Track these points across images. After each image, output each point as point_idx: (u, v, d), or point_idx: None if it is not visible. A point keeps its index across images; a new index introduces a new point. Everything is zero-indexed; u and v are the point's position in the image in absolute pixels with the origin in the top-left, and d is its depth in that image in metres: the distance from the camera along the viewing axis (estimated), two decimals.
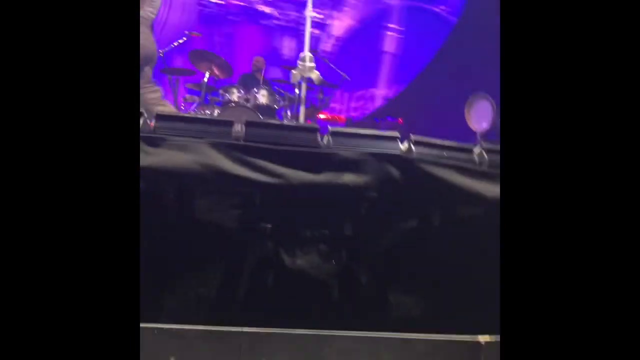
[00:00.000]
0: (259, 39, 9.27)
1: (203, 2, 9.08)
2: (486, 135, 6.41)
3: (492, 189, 2.46)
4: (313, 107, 6.33)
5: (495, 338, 2.33)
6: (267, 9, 9.26)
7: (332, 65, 6.24)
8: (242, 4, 9.20)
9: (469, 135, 6.43)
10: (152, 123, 2.39)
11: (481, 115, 6.30)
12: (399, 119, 7.86)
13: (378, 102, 9.47)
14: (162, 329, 2.03)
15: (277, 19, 9.14)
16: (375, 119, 7.99)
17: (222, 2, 9.10)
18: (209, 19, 9.11)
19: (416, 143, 2.51)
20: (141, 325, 2.02)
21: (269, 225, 2.43)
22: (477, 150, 2.61)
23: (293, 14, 9.18)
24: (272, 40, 9.36)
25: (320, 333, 2.11)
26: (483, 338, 2.26)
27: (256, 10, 9.23)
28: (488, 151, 2.58)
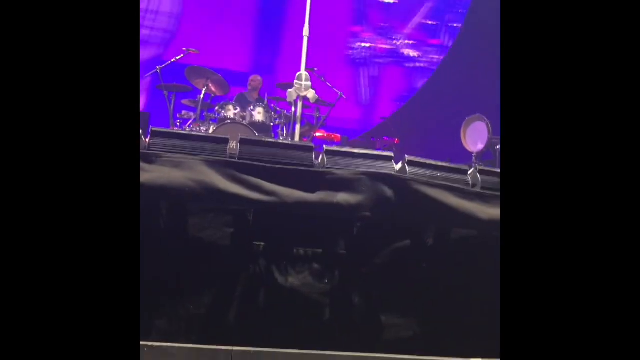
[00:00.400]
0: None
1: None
2: (482, 156, 6.44)
3: (486, 210, 2.46)
4: (309, 125, 6.34)
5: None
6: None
7: (328, 84, 6.27)
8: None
9: (466, 155, 6.46)
10: (147, 139, 2.39)
11: (477, 137, 6.33)
12: (396, 139, 7.89)
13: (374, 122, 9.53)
14: (151, 346, 2.01)
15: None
16: (372, 138, 8.02)
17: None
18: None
19: (410, 163, 2.52)
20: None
21: (262, 244, 2.42)
22: (470, 171, 2.62)
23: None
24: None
25: (312, 353, 2.09)
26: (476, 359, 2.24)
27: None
28: (482, 172, 2.59)
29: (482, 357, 2.33)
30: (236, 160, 2.38)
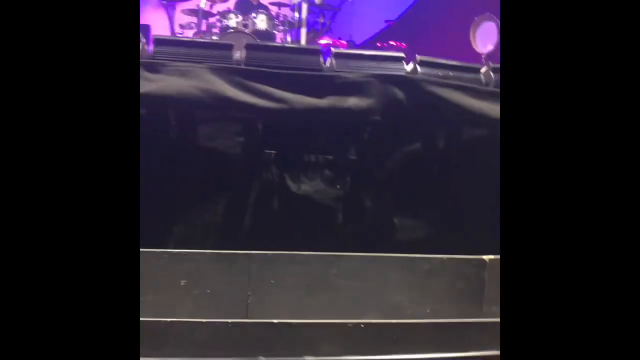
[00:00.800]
0: None
1: None
2: (492, 57, 6.26)
3: (497, 109, 2.42)
4: (314, 31, 6.15)
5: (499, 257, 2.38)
6: None
7: None
8: None
9: (475, 59, 6.28)
10: (151, 48, 2.33)
11: (486, 37, 6.12)
12: (403, 43, 7.66)
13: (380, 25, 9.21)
14: (172, 252, 2.07)
15: None
16: (378, 43, 7.78)
17: None
18: None
19: (421, 63, 2.45)
20: (152, 250, 2.05)
21: (273, 151, 2.42)
22: (483, 69, 2.55)
23: None
24: None
25: (327, 254, 2.15)
26: (487, 257, 2.30)
27: None
28: (494, 70, 2.52)
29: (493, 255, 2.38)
30: (243, 66, 2.32)
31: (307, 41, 5.21)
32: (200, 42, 2.39)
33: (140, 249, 1.93)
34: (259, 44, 2.41)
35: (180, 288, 2.05)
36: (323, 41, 6.31)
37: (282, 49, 2.42)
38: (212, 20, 5.79)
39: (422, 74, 2.41)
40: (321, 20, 6.14)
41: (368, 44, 8.67)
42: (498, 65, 2.57)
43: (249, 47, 2.36)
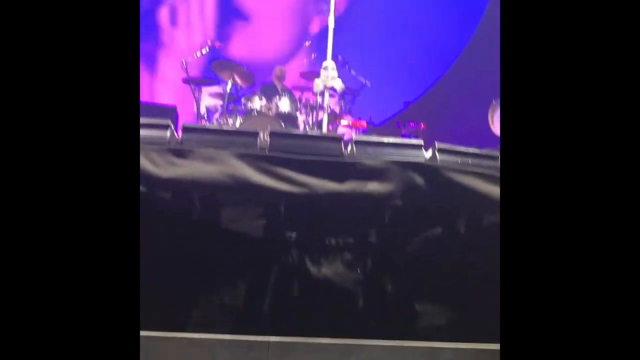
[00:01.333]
0: None
1: None
2: None
3: None
4: (334, 114, 6.33)
5: None
6: None
7: (352, 72, 6.24)
8: None
9: (492, 140, 6.36)
10: (179, 135, 2.43)
11: None
12: (422, 124, 7.80)
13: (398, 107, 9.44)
14: (190, 339, 2.05)
15: None
16: (397, 124, 7.95)
17: None
18: None
19: (440, 151, 2.50)
20: (169, 334, 2.04)
21: (294, 235, 2.44)
22: None
23: None
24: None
25: (347, 342, 2.11)
26: None
27: None
28: None
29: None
30: (266, 153, 2.40)
31: (328, 122, 5.36)
32: (226, 130, 2.49)
33: (159, 334, 1.94)
34: (283, 132, 2.50)
35: None
36: (344, 122, 6.48)
37: (305, 137, 2.51)
38: (237, 103, 6.03)
39: (441, 161, 2.46)
40: (342, 103, 6.32)
41: (387, 124, 8.87)
42: None
43: (273, 134, 2.45)
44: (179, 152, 2.31)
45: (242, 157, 2.33)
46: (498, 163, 2.55)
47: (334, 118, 6.28)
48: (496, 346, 2.27)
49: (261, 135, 2.48)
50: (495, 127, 6.32)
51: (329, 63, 3.27)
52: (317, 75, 3.43)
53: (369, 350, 2.11)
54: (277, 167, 2.35)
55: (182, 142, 2.40)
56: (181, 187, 2.28)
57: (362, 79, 6.31)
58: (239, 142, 2.41)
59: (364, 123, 6.89)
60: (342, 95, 6.34)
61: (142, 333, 2.07)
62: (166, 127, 2.37)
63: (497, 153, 2.64)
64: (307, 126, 5.85)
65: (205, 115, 5.99)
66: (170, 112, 6.20)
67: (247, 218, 2.42)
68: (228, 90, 5.76)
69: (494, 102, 6.35)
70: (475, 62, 8.79)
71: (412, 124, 7.65)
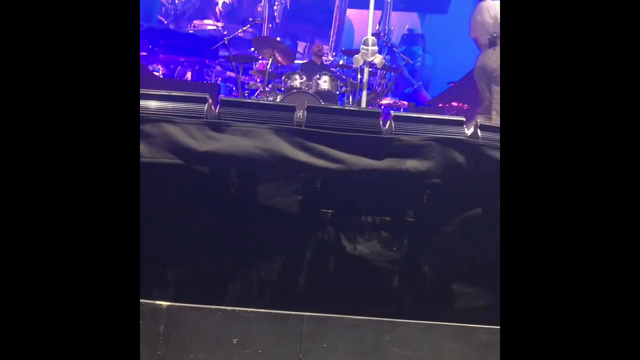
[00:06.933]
0: None
1: None
2: None
3: None
4: (375, 92, 6.25)
5: None
6: None
7: (395, 49, 6.13)
8: None
9: None
10: (217, 109, 2.43)
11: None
12: (465, 105, 7.62)
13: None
14: (225, 310, 2.07)
15: None
16: (440, 104, 7.80)
17: None
18: None
19: (482, 128, 2.42)
20: (206, 306, 2.07)
21: (330, 211, 2.42)
22: None
23: None
24: None
25: (380, 320, 2.09)
26: None
27: None
28: None
29: None
30: (303, 128, 2.38)
31: (368, 102, 5.30)
32: (263, 104, 2.47)
33: (195, 305, 1.97)
34: (320, 106, 2.47)
35: (232, 346, 2.05)
36: (385, 101, 6.40)
37: (342, 112, 2.46)
38: (277, 80, 6.03)
39: (483, 138, 2.38)
40: (383, 81, 6.24)
41: (429, 104, 8.71)
42: None
43: (310, 109, 2.42)
44: (217, 125, 2.31)
45: (279, 132, 2.31)
46: None
47: (374, 97, 6.21)
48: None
49: (298, 110, 2.46)
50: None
51: (370, 38, 3.20)
52: (358, 51, 3.38)
53: (402, 329, 2.08)
54: (313, 143, 2.32)
55: (219, 116, 2.40)
56: (218, 161, 2.28)
57: (406, 58, 6.19)
58: (276, 116, 2.39)
59: (405, 102, 6.79)
60: (384, 74, 6.25)
61: (179, 304, 2.11)
62: (204, 100, 2.38)
63: None
64: (347, 105, 5.80)
65: (247, 93, 6.02)
66: (212, 88, 6.26)
67: (284, 193, 2.41)
68: (268, 67, 5.75)
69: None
70: None
71: (454, 104, 7.50)
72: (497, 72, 5.05)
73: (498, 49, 5.06)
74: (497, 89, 5.09)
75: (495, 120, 4.72)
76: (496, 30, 5.13)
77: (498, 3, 5.15)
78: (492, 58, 5.19)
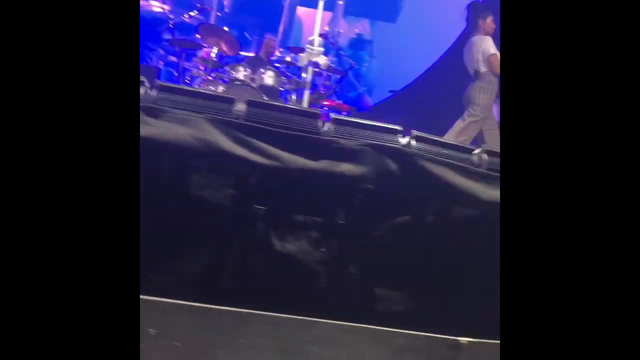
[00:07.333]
0: None
1: None
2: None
3: (489, 192, 2.44)
4: (319, 93, 6.29)
5: (477, 340, 2.33)
6: None
7: (342, 52, 6.19)
8: None
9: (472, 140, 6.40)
10: (155, 93, 2.36)
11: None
12: (404, 114, 7.81)
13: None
14: (144, 299, 2.02)
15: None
16: (379, 111, 7.95)
17: None
18: None
19: (417, 138, 2.49)
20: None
21: (262, 208, 2.41)
22: (477, 150, 2.59)
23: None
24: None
25: (303, 319, 2.10)
26: (464, 339, 2.26)
27: None
28: (488, 153, 2.56)
29: (472, 337, 2.34)
30: (242, 121, 2.35)
31: (311, 102, 5.32)
32: (203, 93, 2.43)
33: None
34: (260, 101, 2.45)
35: (149, 337, 2.00)
36: (327, 103, 6.44)
37: (282, 109, 2.46)
38: (221, 70, 5.93)
39: (417, 148, 2.45)
40: (327, 83, 6.29)
41: (371, 110, 8.86)
42: (491, 148, 2.62)
43: (250, 103, 2.40)
44: (152, 111, 2.24)
45: (216, 123, 2.28)
46: (473, 157, 2.56)
47: (317, 97, 6.24)
48: (448, 336, 2.30)
49: (238, 103, 2.43)
50: None
51: (316, 39, 3.22)
52: (304, 50, 3.39)
53: (324, 329, 2.11)
54: (251, 137, 2.31)
55: (156, 101, 2.33)
56: (150, 148, 2.22)
57: (350, 61, 6.26)
58: (215, 107, 2.35)
59: (346, 106, 6.87)
60: (329, 76, 6.29)
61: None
62: (141, 84, 2.31)
63: (473, 147, 2.64)
64: (290, 103, 5.79)
65: (188, 80, 5.89)
66: (151, 71, 6.08)
67: (216, 186, 2.37)
68: (213, 56, 5.66)
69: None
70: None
71: (394, 113, 7.66)
72: (471, 103, 5.46)
73: (484, 83, 5.43)
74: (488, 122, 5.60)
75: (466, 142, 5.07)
76: (479, 67, 5.48)
77: (488, 38, 5.48)
78: (478, 93, 5.58)
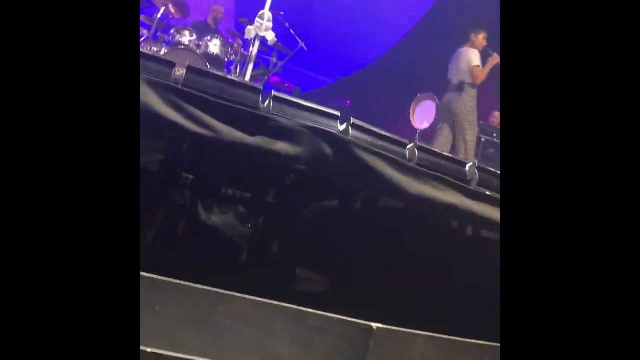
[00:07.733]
0: None
1: None
2: (425, 135, 6.54)
3: (416, 186, 2.51)
4: (264, 68, 6.21)
5: (389, 327, 2.41)
6: None
7: (292, 31, 6.13)
8: None
9: (408, 130, 6.55)
10: None
11: (425, 115, 6.43)
12: (348, 101, 7.87)
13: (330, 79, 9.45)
14: None
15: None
16: (325, 95, 7.97)
17: None
18: None
19: (354, 126, 2.52)
20: None
21: (191, 177, 2.37)
22: (410, 145, 2.66)
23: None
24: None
25: (220, 292, 2.10)
26: (376, 325, 2.33)
27: None
28: (421, 149, 2.64)
29: (383, 323, 2.42)
30: (179, 87, 2.30)
31: (254, 77, 5.26)
32: (142, 53, 2.34)
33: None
34: (200, 68, 2.40)
35: None
36: (272, 80, 6.38)
37: (223, 79, 2.41)
38: (166, 32, 5.74)
39: (353, 136, 2.48)
40: (274, 60, 6.21)
41: (315, 92, 8.86)
42: (425, 145, 2.69)
43: (190, 69, 2.34)
44: None
45: (153, 84, 2.21)
46: (405, 151, 2.62)
47: (262, 73, 6.17)
48: (364, 321, 2.37)
49: (178, 68, 2.37)
50: (415, 121, 6.52)
51: (267, 13, 3.17)
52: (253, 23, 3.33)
53: (238, 303, 2.11)
54: (187, 104, 2.25)
55: None
56: None
57: (300, 42, 6.22)
58: (153, 68, 2.27)
59: (291, 86, 6.84)
60: (277, 53, 6.22)
61: None
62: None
63: (408, 142, 2.70)
64: (233, 75, 5.70)
65: None
66: None
67: (146, 150, 2.30)
68: (159, 16, 5.46)
69: (418, 95, 6.53)
70: (413, 52, 8.96)
71: (339, 99, 7.70)
72: (459, 118, 5.50)
73: (464, 95, 5.49)
74: (462, 131, 5.57)
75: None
76: (465, 78, 5.54)
77: (475, 51, 5.55)
78: (457, 103, 5.63)
